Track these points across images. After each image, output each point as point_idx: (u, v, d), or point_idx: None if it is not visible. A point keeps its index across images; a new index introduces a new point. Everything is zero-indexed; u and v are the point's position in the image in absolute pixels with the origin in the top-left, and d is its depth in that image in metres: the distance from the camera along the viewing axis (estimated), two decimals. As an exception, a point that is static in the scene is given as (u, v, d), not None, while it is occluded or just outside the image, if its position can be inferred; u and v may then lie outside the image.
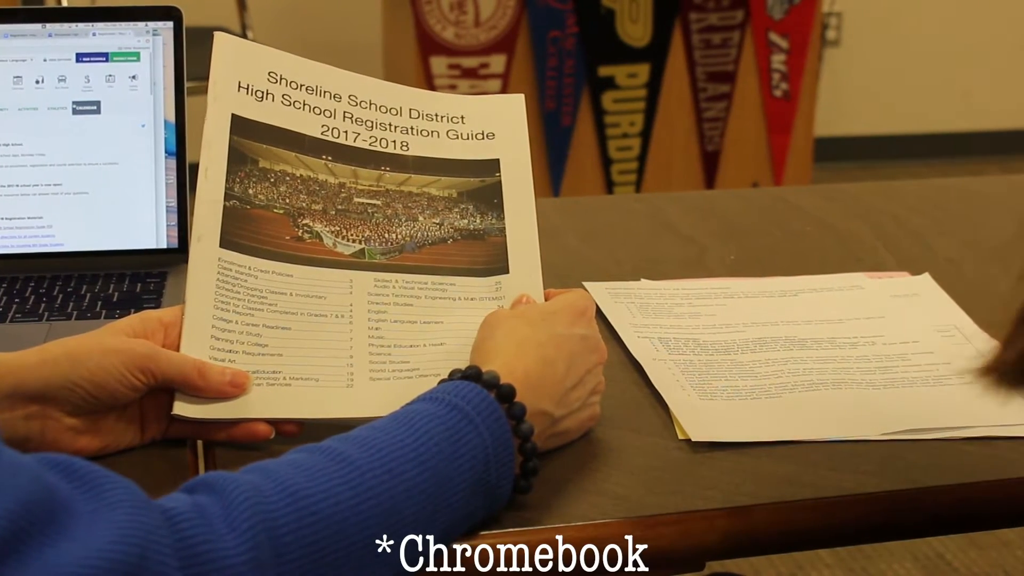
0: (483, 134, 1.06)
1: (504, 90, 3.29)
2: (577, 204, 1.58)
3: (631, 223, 1.39)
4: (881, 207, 1.43)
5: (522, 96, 1.09)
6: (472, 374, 0.84)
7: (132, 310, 1.12)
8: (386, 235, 1.01)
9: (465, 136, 1.06)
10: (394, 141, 1.04)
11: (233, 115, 0.99)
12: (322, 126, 1.02)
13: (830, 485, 0.90)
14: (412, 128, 1.05)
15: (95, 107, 1.21)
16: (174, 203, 1.21)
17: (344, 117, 1.03)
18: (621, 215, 1.42)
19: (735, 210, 1.44)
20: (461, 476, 0.79)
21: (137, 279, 1.18)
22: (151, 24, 1.21)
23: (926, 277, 1.22)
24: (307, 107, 1.02)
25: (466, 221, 1.03)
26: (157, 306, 1.13)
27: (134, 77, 1.21)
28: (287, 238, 0.98)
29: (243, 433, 0.91)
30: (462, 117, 1.06)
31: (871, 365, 1.06)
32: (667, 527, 0.86)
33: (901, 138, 4.41)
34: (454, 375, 0.85)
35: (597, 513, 0.86)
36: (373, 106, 1.04)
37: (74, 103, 1.21)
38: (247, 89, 1.00)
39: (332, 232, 1.00)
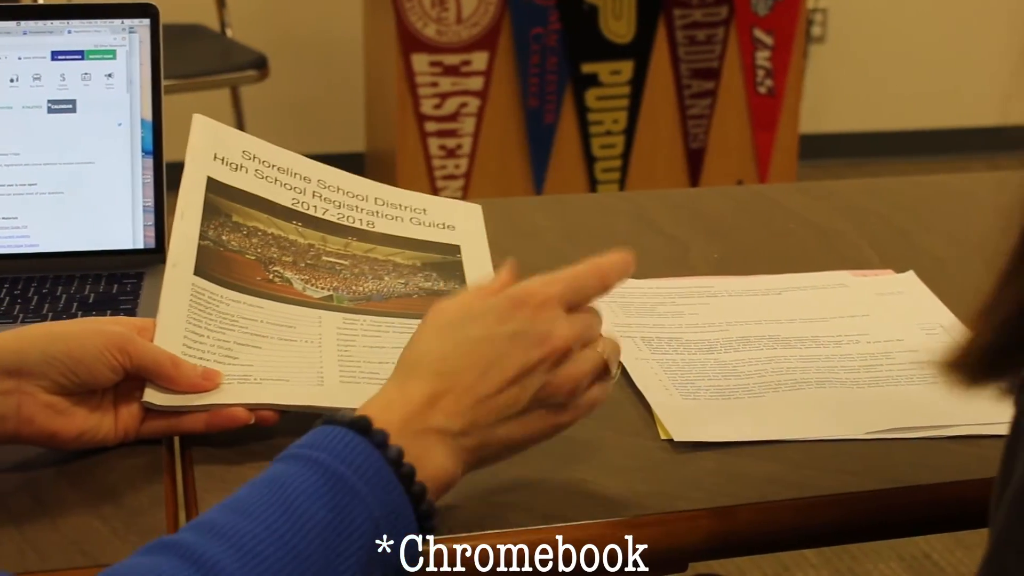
0: (444, 225, 1.12)
1: (487, 87, 3.28)
2: (560, 202, 1.57)
3: (614, 221, 1.38)
4: (866, 205, 1.43)
5: (479, 207, 1.15)
6: (362, 426, 0.74)
7: (108, 311, 1.11)
8: (353, 287, 1.05)
9: (427, 224, 1.12)
10: (360, 220, 1.09)
11: (209, 177, 1.04)
12: (292, 199, 1.07)
13: (814, 485, 0.89)
14: (377, 212, 1.11)
15: (71, 106, 1.19)
16: (151, 203, 1.19)
17: (313, 195, 1.09)
18: (604, 213, 1.41)
19: (719, 208, 1.43)
20: (347, 563, 0.71)
21: (114, 280, 1.16)
22: (127, 22, 1.19)
23: (911, 275, 1.21)
24: (279, 182, 1.08)
25: (430, 284, 1.07)
26: (134, 307, 1.12)
27: (110, 75, 1.19)
28: (258, 279, 1.02)
29: (223, 418, 0.90)
30: (424, 210, 1.12)
31: (855, 364, 1.05)
32: (650, 528, 0.85)
33: (886, 135, 4.41)
34: (338, 418, 0.75)
35: (580, 513, 0.85)
36: (340, 191, 1.10)
37: (49, 102, 1.19)
38: (222, 160, 1.05)
39: (302, 279, 1.04)
